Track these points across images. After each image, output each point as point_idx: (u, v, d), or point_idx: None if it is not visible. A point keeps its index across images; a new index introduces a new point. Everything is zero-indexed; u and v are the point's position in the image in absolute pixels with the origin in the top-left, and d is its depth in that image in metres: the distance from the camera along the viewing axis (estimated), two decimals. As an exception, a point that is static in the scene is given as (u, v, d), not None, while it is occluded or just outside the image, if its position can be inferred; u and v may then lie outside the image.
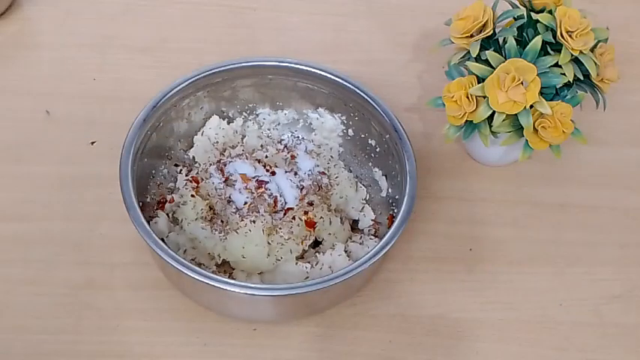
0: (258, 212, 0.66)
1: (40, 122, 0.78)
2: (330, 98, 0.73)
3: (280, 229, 0.66)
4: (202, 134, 0.73)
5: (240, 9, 0.91)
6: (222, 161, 0.71)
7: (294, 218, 0.66)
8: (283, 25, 0.90)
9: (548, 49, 0.68)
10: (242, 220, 0.66)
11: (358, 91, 0.70)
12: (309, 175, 0.71)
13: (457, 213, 0.75)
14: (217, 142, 0.73)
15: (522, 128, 0.68)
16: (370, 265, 0.59)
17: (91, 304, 0.66)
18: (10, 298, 0.66)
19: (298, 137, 0.76)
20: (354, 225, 0.72)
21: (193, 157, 0.73)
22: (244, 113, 0.76)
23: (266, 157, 0.72)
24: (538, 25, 0.69)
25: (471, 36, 0.70)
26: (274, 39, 0.88)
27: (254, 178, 0.70)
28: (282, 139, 0.76)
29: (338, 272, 0.59)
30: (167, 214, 0.68)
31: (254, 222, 0.65)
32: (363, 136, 0.73)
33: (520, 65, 0.66)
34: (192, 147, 0.73)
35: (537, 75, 0.66)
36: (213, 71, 0.70)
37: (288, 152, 0.74)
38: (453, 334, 0.67)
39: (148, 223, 0.61)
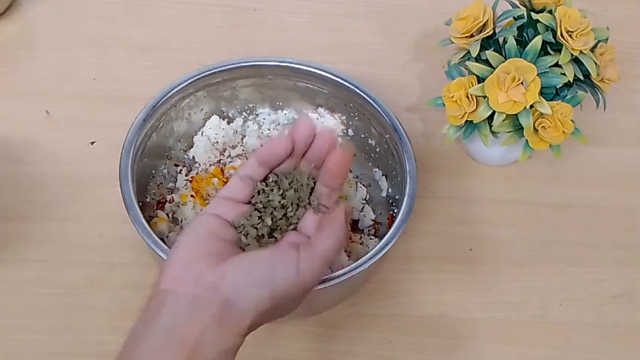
0: (258, 212, 0.66)
1: (40, 122, 0.78)
2: (330, 98, 0.73)
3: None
4: (202, 134, 0.73)
5: (240, 9, 0.91)
6: (222, 161, 0.71)
7: (294, 218, 0.66)
8: (283, 25, 0.90)
9: (549, 49, 0.68)
10: (242, 220, 0.66)
11: (358, 91, 0.70)
12: (309, 175, 0.71)
13: (457, 213, 0.75)
14: (217, 142, 0.73)
15: (522, 128, 0.68)
16: (370, 265, 0.59)
17: (91, 304, 0.66)
18: (10, 298, 0.66)
19: (298, 137, 0.76)
20: (354, 225, 0.72)
21: (193, 157, 0.73)
22: (244, 113, 0.76)
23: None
24: (538, 25, 0.69)
25: (471, 36, 0.70)
26: (274, 39, 0.88)
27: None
28: (282, 139, 0.76)
29: (338, 272, 0.58)
30: (167, 214, 0.68)
31: (254, 222, 0.65)
32: (363, 136, 0.73)
33: (520, 65, 0.66)
34: (192, 147, 0.73)
35: (537, 75, 0.66)
36: (213, 71, 0.70)
37: (288, 152, 0.74)
38: (453, 334, 0.67)
39: (148, 223, 0.61)
